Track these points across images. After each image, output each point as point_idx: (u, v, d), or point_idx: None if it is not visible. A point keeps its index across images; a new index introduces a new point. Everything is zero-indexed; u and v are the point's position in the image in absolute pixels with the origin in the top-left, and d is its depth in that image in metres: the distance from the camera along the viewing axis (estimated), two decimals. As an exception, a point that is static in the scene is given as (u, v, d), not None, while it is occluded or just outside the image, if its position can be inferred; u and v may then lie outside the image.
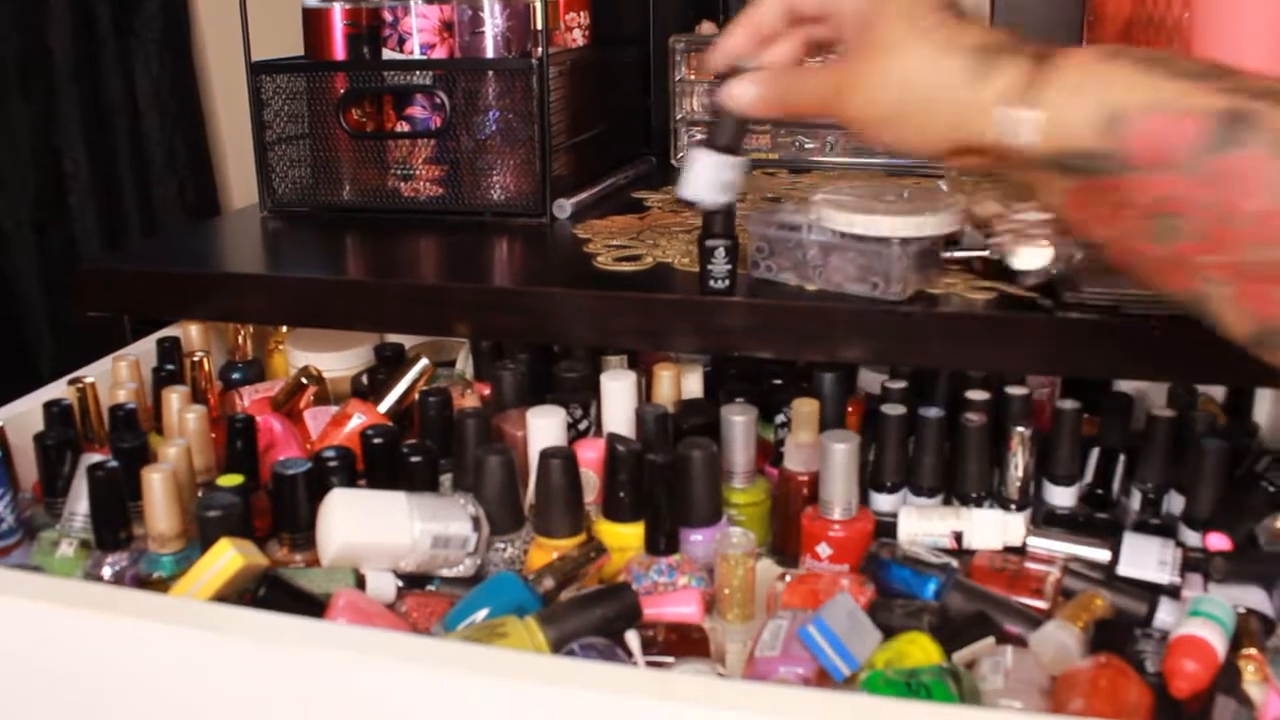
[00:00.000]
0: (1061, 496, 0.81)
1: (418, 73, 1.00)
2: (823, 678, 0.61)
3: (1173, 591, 0.69)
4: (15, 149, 1.47)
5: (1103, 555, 0.72)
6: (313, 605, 0.63)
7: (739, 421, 0.78)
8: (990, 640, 0.63)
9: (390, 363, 0.96)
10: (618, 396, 0.80)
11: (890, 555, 0.71)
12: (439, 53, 1.02)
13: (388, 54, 1.03)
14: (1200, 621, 0.61)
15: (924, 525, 0.75)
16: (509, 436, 0.81)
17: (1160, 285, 0.49)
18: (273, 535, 0.74)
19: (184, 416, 0.79)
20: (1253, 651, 0.63)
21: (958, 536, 0.74)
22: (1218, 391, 0.91)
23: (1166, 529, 0.76)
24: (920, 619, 0.65)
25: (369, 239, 0.99)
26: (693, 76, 1.17)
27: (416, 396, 0.85)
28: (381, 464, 0.76)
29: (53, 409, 0.82)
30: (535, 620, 0.60)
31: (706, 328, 0.77)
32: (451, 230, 0.99)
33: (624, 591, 0.64)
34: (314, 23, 1.04)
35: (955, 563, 0.71)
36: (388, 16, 1.02)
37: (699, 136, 0.68)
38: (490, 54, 0.99)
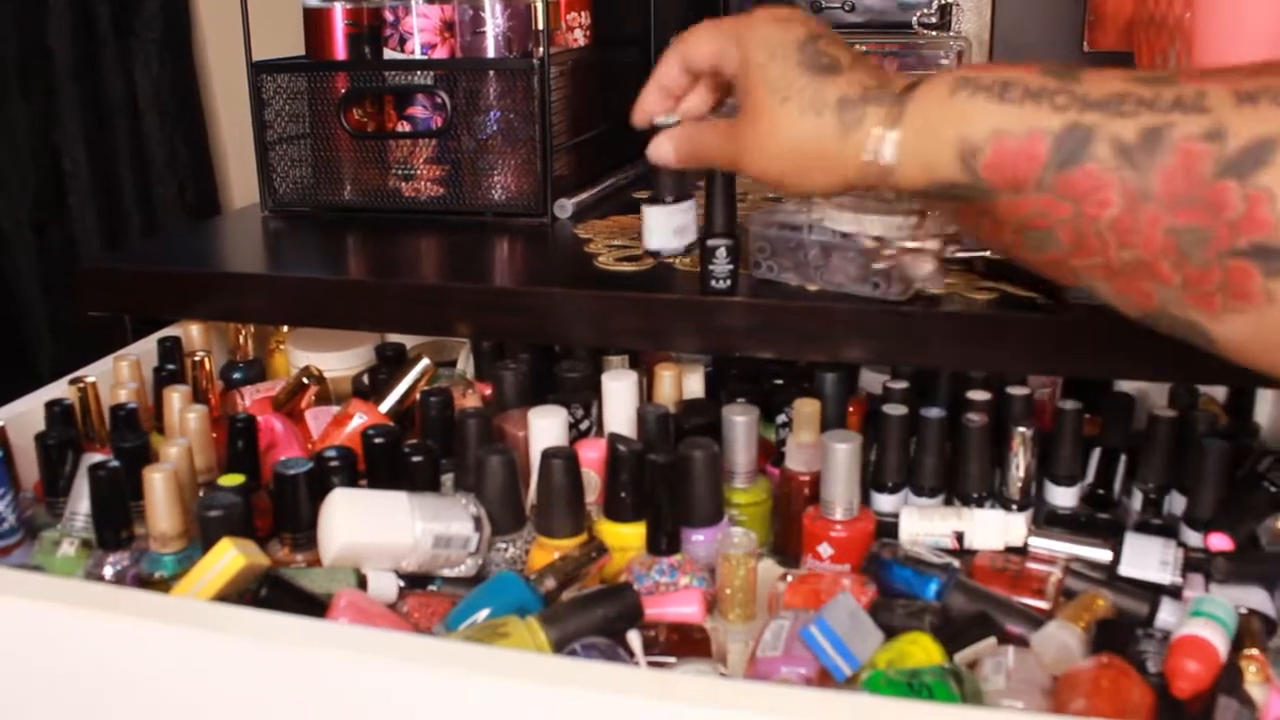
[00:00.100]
0: (1063, 497, 0.81)
1: (419, 72, 1.00)
2: (824, 678, 0.61)
3: (1174, 592, 0.69)
4: (15, 149, 1.47)
5: (1104, 555, 0.72)
6: (314, 605, 0.63)
7: (740, 421, 0.78)
8: (992, 640, 0.63)
9: (391, 362, 0.96)
10: (619, 396, 0.80)
11: (892, 555, 0.71)
12: (440, 52, 1.02)
13: (389, 54, 1.03)
14: (1202, 622, 0.61)
15: (925, 525, 0.75)
16: (510, 436, 0.81)
17: (1059, 282, 0.52)
18: (274, 535, 0.74)
19: (185, 416, 0.79)
20: (1254, 652, 0.63)
21: (959, 537, 0.74)
22: (1219, 392, 0.91)
23: (1168, 529, 0.76)
24: (922, 619, 0.65)
25: (370, 239, 0.99)
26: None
27: (418, 396, 0.85)
28: (383, 464, 0.76)
29: (54, 408, 0.82)
30: (537, 620, 0.60)
31: (708, 328, 0.77)
32: (452, 230, 0.99)
33: (625, 592, 0.64)
34: (315, 22, 1.04)
35: (957, 563, 0.71)
36: (389, 16, 1.02)
37: (647, 195, 0.74)
38: (491, 54, 1.00)
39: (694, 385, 0.88)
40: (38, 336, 1.54)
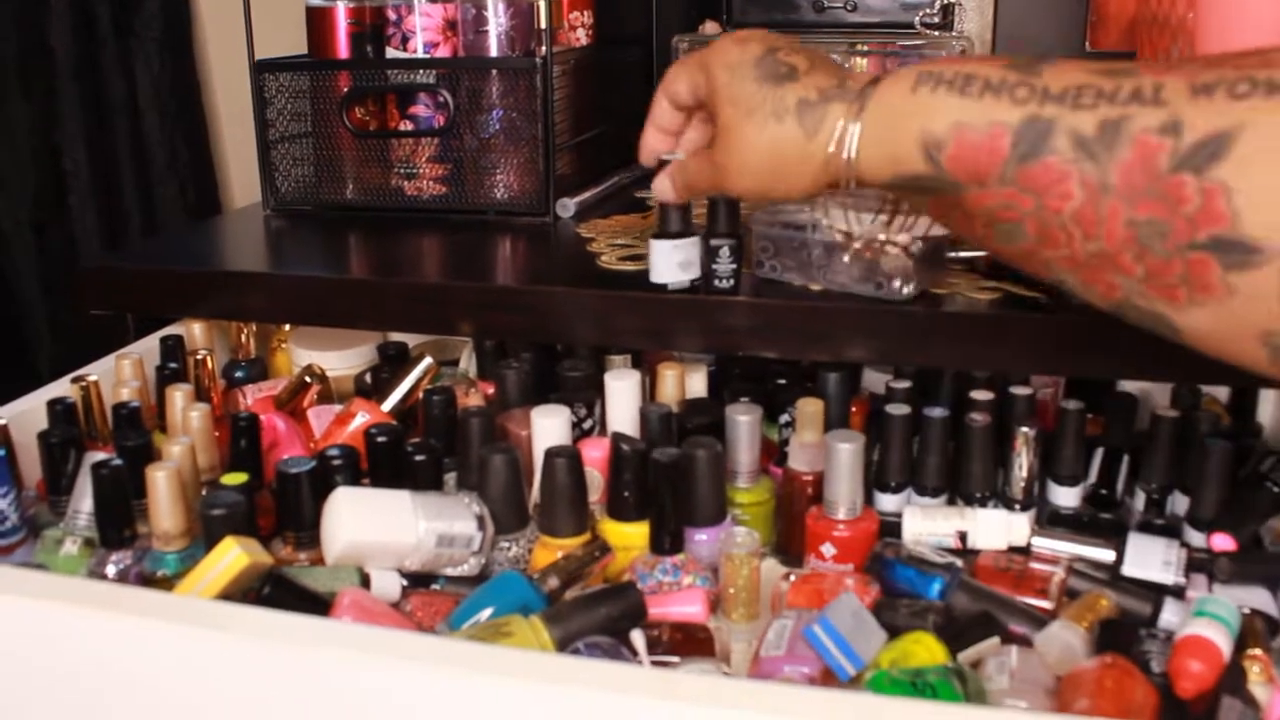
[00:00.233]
0: (1066, 496, 0.81)
1: (421, 71, 1.00)
2: (828, 677, 0.61)
3: (1177, 592, 0.69)
4: (15, 149, 1.47)
5: (1107, 555, 0.72)
6: (317, 604, 0.63)
7: (743, 421, 0.78)
8: (995, 640, 0.63)
9: (394, 361, 0.96)
10: (622, 396, 0.80)
11: (895, 555, 0.71)
12: (442, 51, 1.01)
13: (391, 53, 1.03)
14: (1205, 622, 0.61)
15: (928, 525, 0.75)
16: (513, 435, 0.81)
17: (1034, 275, 0.52)
18: (277, 534, 0.74)
19: (188, 415, 0.79)
20: (1258, 652, 0.63)
21: (962, 536, 0.74)
22: (1222, 392, 0.91)
23: (1171, 529, 0.76)
24: (925, 619, 0.65)
25: (372, 238, 0.99)
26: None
27: (420, 395, 0.85)
28: (385, 463, 0.76)
29: (56, 407, 0.82)
30: (540, 619, 0.60)
31: (710, 327, 0.77)
32: (455, 229, 0.99)
33: (629, 591, 0.64)
34: (317, 21, 1.04)
35: (960, 563, 0.71)
36: (391, 15, 1.02)
37: (653, 230, 0.77)
38: (494, 53, 1.00)
39: (697, 385, 0.88)
40: (38, 336, 1.54)
